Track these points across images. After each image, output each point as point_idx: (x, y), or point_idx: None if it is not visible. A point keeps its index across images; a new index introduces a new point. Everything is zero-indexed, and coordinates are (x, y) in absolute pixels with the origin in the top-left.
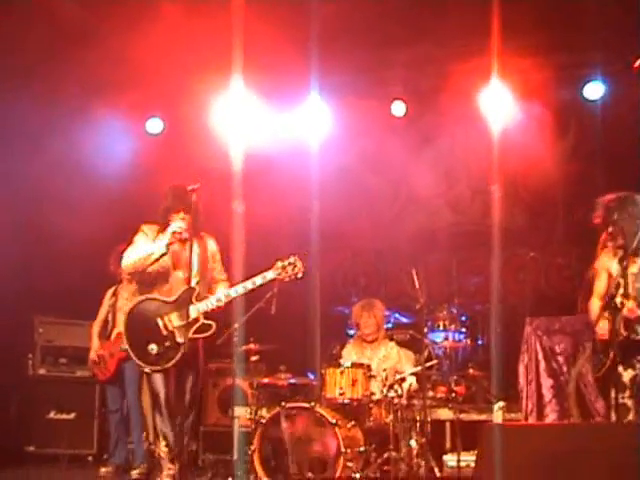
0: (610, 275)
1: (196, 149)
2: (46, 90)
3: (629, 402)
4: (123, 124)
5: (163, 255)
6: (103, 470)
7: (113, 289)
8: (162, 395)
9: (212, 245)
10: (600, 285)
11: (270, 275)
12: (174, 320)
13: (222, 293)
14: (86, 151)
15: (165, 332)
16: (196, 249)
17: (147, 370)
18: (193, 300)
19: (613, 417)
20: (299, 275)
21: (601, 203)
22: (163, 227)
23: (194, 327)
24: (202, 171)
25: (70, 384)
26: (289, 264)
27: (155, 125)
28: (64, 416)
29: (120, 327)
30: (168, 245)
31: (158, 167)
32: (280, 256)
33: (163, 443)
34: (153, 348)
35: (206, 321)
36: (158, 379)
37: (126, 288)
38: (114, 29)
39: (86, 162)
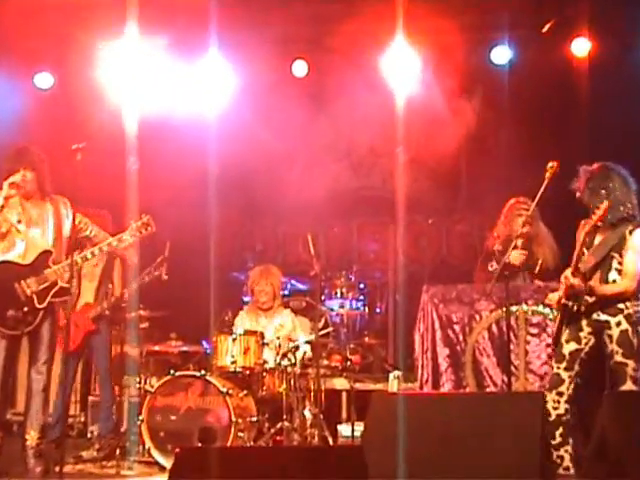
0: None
1: (88, 105)
2: None
3: (564, 374)
4: (9, 78)
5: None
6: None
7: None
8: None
9: (63, 209)
10: (575, 256)
11: (126, 237)
12: (32, 285)
13: (77, 255)
14: None
15: (23, 297)
16: (49, 208)
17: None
18: (50, 263)
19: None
20: (151, 231)
21: (587, 172)
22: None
23: (52, 291)
24: (94, 128)
25: None
26: (143, 224)
27: (44, 80)
28: None
29: (88, 298)
30: (6, 198)
31: (48, 124)
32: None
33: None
34: (12, 313)
35: (65, 284)
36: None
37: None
38: None
39: None
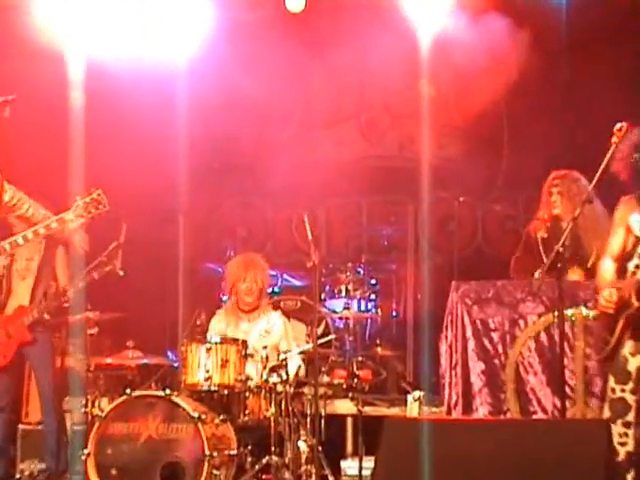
0: (629, 231)
1: (21, 48)
2: None
3: (630, 398)
4: None
5: None
6: None
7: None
8: None
9: None
10: (615, 243)
11: (69, 216)
12: None
13: (7, 241)
14: None
15: None
16: None
17: None
18: None
19: (607, 413)
20: (103, 209)
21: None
22: None
23: None
24: (28, 77)
25: None
26: (93, 201)
27: None
28: None
29: (22, 299)
30: None
31: None
32: (81, 193)
33: None
34: None
35: None
36: None
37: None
38: None
39: None
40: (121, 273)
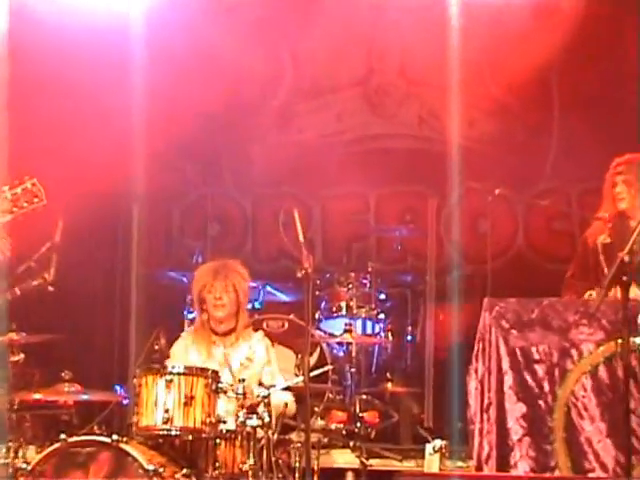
0: None
1: None
2: None
3: None
4: None
5: None
6: None
7: None
8: None
9: None
10: None
11: None
12: None
13: None
14: None
15: None
16: None
17: None
18: None
19: None
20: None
21: None
22: None
23: None
24: None
25: None
26: (25, 193)
27: None
28: None
29: None
30: None
31: None
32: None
33: None
34: None
35: None
36: None
37: None
38: None
39: None
40: (50, 279)
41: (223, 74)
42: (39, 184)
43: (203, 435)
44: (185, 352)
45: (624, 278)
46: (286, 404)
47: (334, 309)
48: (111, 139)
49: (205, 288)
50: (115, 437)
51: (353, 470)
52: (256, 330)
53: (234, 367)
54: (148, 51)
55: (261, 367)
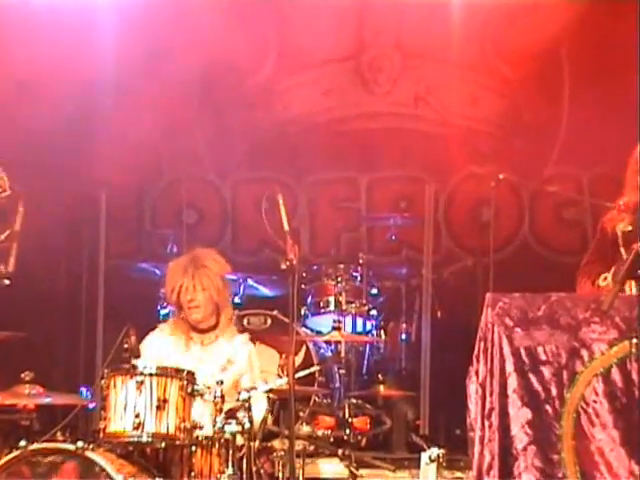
0: None
1: None
2: None
3: None
4: None
5: None
6: None
7: None
8: None
9: None
10: None
11: None
12: None
13: None
14: None
15: None
16: None
17: None
18: None
19: None
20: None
21: None
22: None
23: None
24: None
25: None
26: None
27: None
28: None
29: None
30: None
31: None
32: None
33: None
34: None
35: None
36: None
37: None
38: None
39: None
40: (9, 271)
41: (201, 45)
42: (3, 173)
43: (177, 442)
44: (157, 350)
45: None
46: (268, 410)
47: (321, 305)
48: (76, 119)
49: (177, 289)
50: (80, 444)
51: None
52: (241, 332)
53: (211, 367)
54: (121, 25)
55: (239, 374)
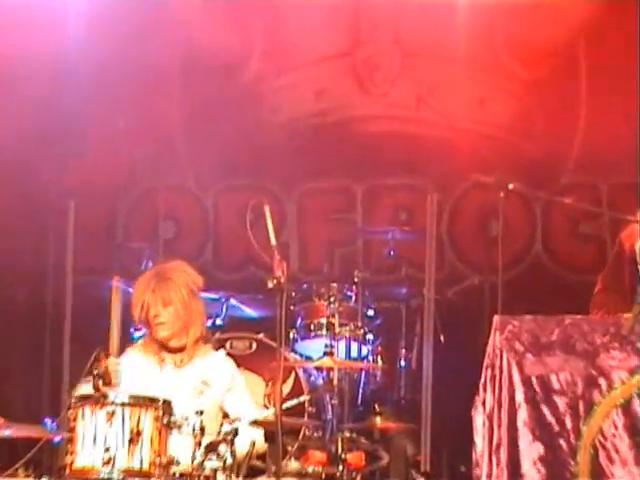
0: None
1: None
2: None
3: None
4: None
5: None
6: None
7: None
8: None
9: None
10: None
11: None
12: None
13: None
14: None
15: None
16: None
17: None
18: None
19: None
20: None
21: None
22: None
23: None
24: None
25: None
26: None
27: None
28: None
29: None
30: None
31: None
32: None
33: None
34: None
35: None
36: None
37: None
38: None
39: None
40: None
41: (180, 40)
42: None
43: (152, 479)
44: (129, 374)
45: None
46: (254, 442)
47: (312, 327)
48: (45, 116)
49: (140, 306)
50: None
51: None
52: (217, 349)
53: (187, 391)
54: (94, 23)
55: (221, 395)
